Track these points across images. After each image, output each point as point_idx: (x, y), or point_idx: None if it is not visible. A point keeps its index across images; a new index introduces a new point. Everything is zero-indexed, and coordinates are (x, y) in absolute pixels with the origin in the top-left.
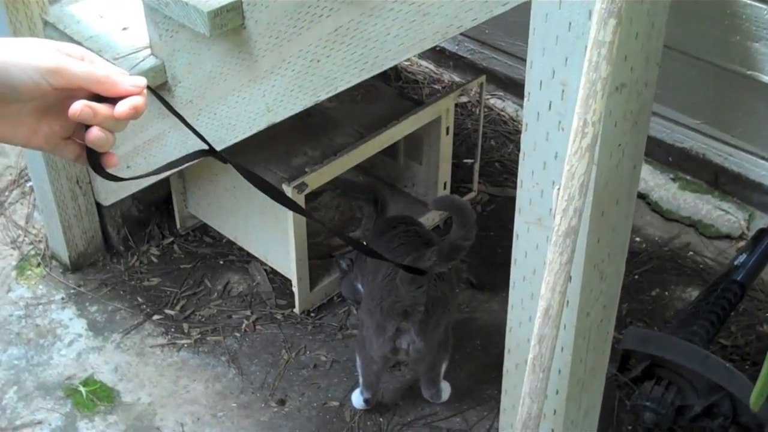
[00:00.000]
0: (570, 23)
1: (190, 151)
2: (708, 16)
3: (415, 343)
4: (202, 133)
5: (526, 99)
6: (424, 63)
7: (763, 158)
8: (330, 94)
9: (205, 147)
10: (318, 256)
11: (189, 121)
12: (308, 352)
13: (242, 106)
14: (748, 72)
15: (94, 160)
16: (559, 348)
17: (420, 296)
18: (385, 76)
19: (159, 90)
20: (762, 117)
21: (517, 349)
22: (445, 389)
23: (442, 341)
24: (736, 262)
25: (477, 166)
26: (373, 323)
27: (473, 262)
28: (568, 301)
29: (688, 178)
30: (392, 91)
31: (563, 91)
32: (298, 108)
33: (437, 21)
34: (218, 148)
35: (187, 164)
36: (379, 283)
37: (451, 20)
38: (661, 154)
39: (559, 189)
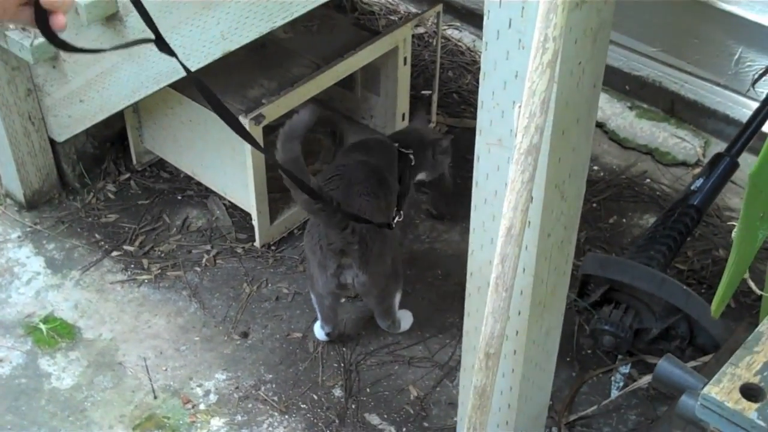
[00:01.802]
0: None
1: (145, 83)
2: None
3: (358, 276)
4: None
5: (485, 17)
6: None
7: (718, 85)
8: (286, 20)
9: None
10: (278, 190)
11: (141, 51)
12: (270, 285)
13: (196, 34)
14: None
15: (43, 21)
16: (521, 269)
17: (348, 236)
18: (341, 7)
19: (110, 20)
20: (718, 44)
21: (479, 272)
22: (405, 319)
23: (390, 273)
24: (692, 187)
25: (435, 97)
26: (315, 261)
27: (433, 193)
28: (529, 222)
29: (645, 106)
30: (348, 22)
31: (523, 8)
32: (253, 35)
33: None
34: (172, 80)
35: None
36: (315, 222)
37: None
38: (618, 83)
39: (520, 107)
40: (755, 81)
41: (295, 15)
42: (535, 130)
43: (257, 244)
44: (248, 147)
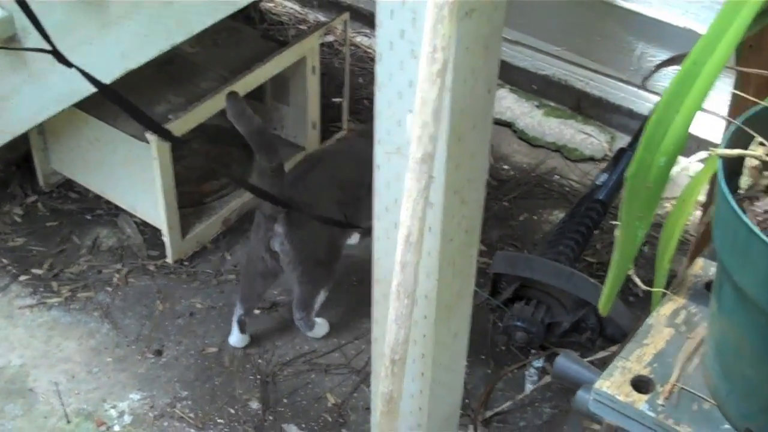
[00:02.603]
0: None
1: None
2: None
3: (284, 245)
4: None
5: (378, 28)
6: (288, 3)
7: (621, 81)
8: (186, 37)
9: None
10: (188, 204)
11: (42, 72)
12: (183, 301)
13: (96, 54)
14: None
15: None
16: (425, 274)
17: (275, 211)
18: (249, 19)
19: (9, 43)
20: (619, 41)
21: (384, 279)
22: (321, 326)
23: (321, 262)
24: (597, 182)
25: (346, 105)
26: (255, 222)
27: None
28: (430, 228)
29: (552, 104)
30: (255, 33)
31: (414, 18)
32: (154, 53)
33: None
34: (74, 100)
35: None
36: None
37: None
38: (525, 83)
39: (413, 116)
40: (645, 79)
41: (195, 32)
42: (428, 139)
43: (169, 260)
44: (156, 163)
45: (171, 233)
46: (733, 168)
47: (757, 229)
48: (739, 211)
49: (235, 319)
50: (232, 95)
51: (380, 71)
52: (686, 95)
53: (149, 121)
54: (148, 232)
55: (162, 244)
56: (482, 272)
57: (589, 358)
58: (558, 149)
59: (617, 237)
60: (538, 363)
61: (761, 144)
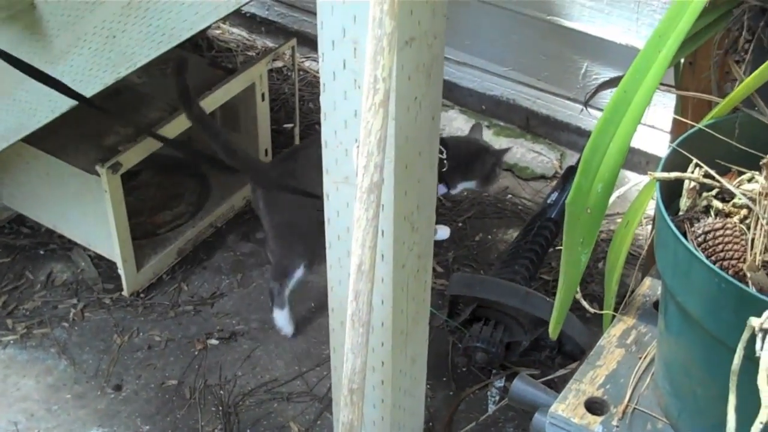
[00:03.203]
0: None
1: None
2: None
3: (260, 207)
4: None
5: (320, 60)
6: (236, 30)
7: (568, 99)
8: (130, 70)
9: None
10: (142, 236)
11: None
12: (141, 334)
13: (42, 89)
14: (548, 17)
15: None
16: (379, 301)
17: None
18: (196, 46)
19: None
20: (564, 60)
21: (339, 307)
22: (285, 318)
23: (295, 231)
24: (549, 201)
25: (297, 130)
26: None
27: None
28: (383, 255)
29: (502, 123)
30: (204, 62)
31: (355, 49)
32: (99, 86)
33: None
34: (21, 135)
35: None
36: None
37: None
38: (474, 103)
39: (358, 147)
40: (587, 100)
41: (139, 64)
42: (374, 169)
43: (125, 293)
44: (108, 196)
45: (126, 266)
46: (674, 189)
47: (697, 251)
48: (679, 235)
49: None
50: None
51: (325, 101)
52: (619, 123)
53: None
54: (103, 265)
55: (117, 277)
56: (440, 294)
57: (549, 377)
58: (509, 168)
59: (561, 263)
60: (500, 383)
61: (698, 166)
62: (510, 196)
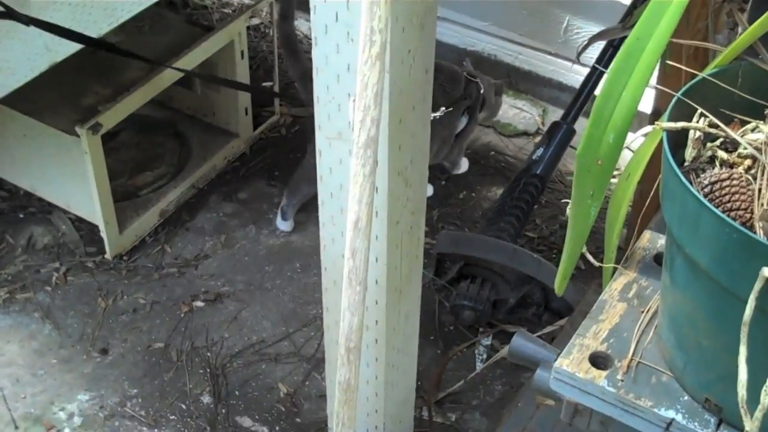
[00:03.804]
0: None
1: None
2: None
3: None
4: None
5: (312, 13)
6: None
7: (550, 54)
8: (112, 26)
9: None
10: (124, 197)
11: None
12: (125, 297)
13: (19, 48)
14: None
15: None
16: (374, 259)
17: None
18: (172, 5)
19: None
20: (545, 14)
21: (333, 266)
22: (285, 220)
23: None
24: (534, 157)
25: (276, 89)
26: None
27: (283, 186)
28: (377, 212)
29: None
30: (180, 19)
31: (348, 1)
32: (77, 46)
33: None
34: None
35: None
36: None
37: None
38: (456, 59)
39: (354, 100)
40: (579, 53)
41: (121, 20)
42: (371, 123)
43: (108, 256)
44: (88, 157)
45: (108, 228)
46: (676, 141)
47: (705, 201)
48: (688, 185)
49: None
50: None
51: (317, 56)
52: (632, 71)
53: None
54: (84, 228)
55: (99, 240)
56: (426, 253)
57: (538, 333)
58: (491, 125)
59: (569, 216)
60: (487, 341)
61: (702, 115)
62: (493, 153)
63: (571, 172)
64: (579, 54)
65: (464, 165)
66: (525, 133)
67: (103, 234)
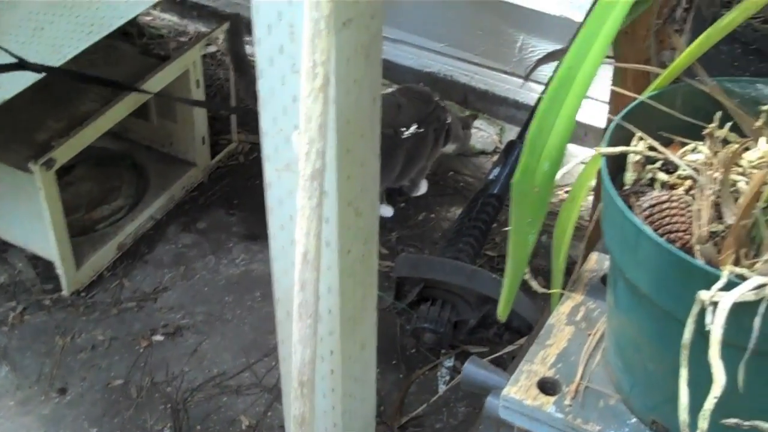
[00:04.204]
0: None
1: None
2: None
3: None
4: None
5: (257, 45)
6: (167, 16)
7: (505, 73)
8: (60, 62)
9: None
10: (80, 232)
11: None
12: (84, 334)
13: None
14: None
15: None
16: (326, 289)
17: None
18: (127, 34)
19: None
20: (500, 34)
21: (285, 298)
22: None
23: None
24: (490, 177)
25: (234, 116)
26: None
27: (242, 214)
28: (328, 243)
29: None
30: (134, 50)
31: (292, 32)
32: (28, 81)
33: None
34: None
35: None
36: None
37: None
38: (413, 80)
39: (298, 133)
40: (527, 74)
41: (69, 56)
42: (316, 155)
43: (66, 292)
44: (42, 193)
45: (64, 265)
46: (618, 164)
47: (644, 226)
48: (626, 210)
49: None
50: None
51: (262, 88)
52: (564, 100)
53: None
54: (41, 265)
55: (56, 277)
56: (386, 276)
57: (499, 353)
58: (459, 153)
59: (509, 244)
60: (449, 362)
61: (641, 139)
62: (452, 173)
63: None
64: (528, 75)
65: (423, 187)
66: (483, 153)
67: (60, 271)
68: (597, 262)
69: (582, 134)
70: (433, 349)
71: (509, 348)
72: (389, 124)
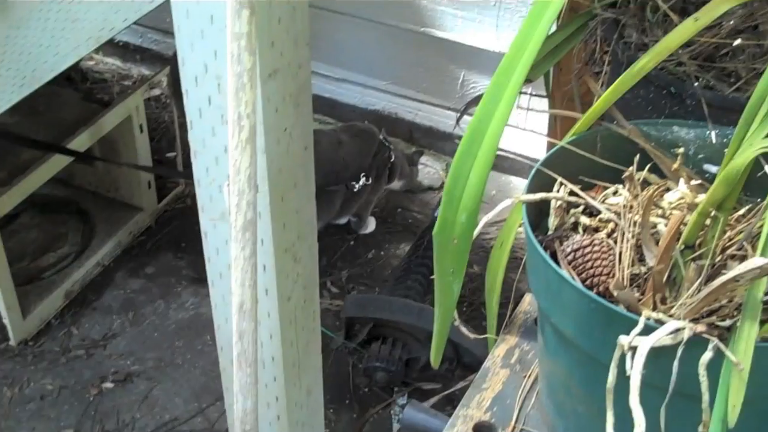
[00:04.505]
0: (212, 16)
1: None
2: None
3: None
4: None
5: (185, 97)
6: (110, 60)
7: (448, 108)
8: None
9: None
10: (26, 281)
11: None
12: (32, 384)
13: None
14: (422, 29)
15: None
16: (268, 336)
17: None
18: (69, 79)
19: None
20: (442, 70)
21: (228, 346)
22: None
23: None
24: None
25: (180, 159)
26: None
27: (191, 257)
28: (267, 290)
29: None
30: (76, 96)
31: (219, 84)
32: None
33: (87, 26)
34: None
35: None
36: None
37: (102, 24)
38: (357, 118)
39: (228, 185)
40: (458, 120)
41: (2, 110)
42: (247, 206)
43: (12, 342)
44: None
45: (10, 314)
46: (543, 208)
47: (564, 272)
48: (547, 258)
49: None
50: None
51: (193, 139)
52: (476, 153)
53: None
54: None
55: (2, 327)
56: (337, 315)
57: (450, 390)
58: (406, 189)
59: (435, 292)
60: (402, 400)
61: (562, 184)
62: (399, 209)
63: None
64: (458, 119)
65: (371, 224)
66: (430, 188)
67: (6, 321)
68: (531, 303)
69: (527, 168)
70: (385, 388)
71: (461, 384)
72: (333, 172)
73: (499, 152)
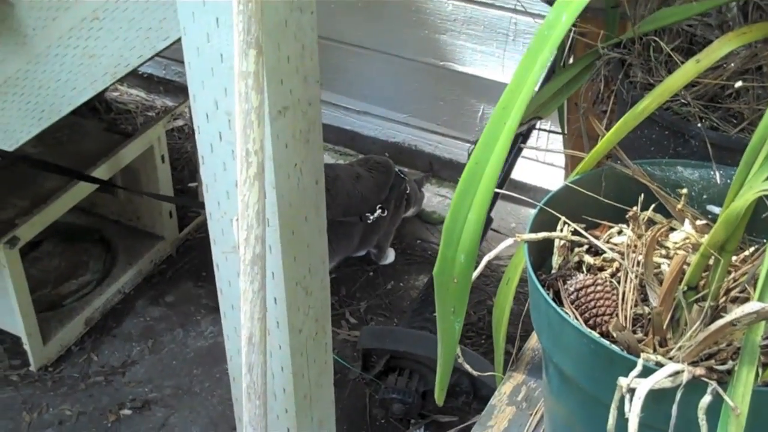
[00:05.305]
0: (221, 54)
1: None
2: (395, 15)
3: None
4: None
5: (197, 133)
6: (134, 91)
7: (468, 141)
8: (14, 147)
9: None
10: (47, 308)
11: None
12: (51, 409)
13: None
14: (441, 63)
15: None
16: (279, 368)
17: None
18: (94, 110)
19: None
20: (461, 103)
21: (240, 377)
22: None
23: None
24: None
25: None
26: None
27: (210, 286)
28: (278, 323)
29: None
30: (99, 126)
31: (229, 120)
32: None
33: (104, 62)
34: None
35: None
36: None
37: (118, 59)
38: (378, 151)
39: (237, 220)
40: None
41: (22, 142)
42: (255, 241)
43: (33, 368)
44: (7, 271)
45: (31, 340)
46: (547, 247)
47: (565, 313)
48: (548, 298)
49: None
50: None
51: (205, 174)
52: (474, 193)
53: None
54: (8, 340)
55: (23, 352)
56: (354, 346)
57: (467, 423)
58: (417, 214)
59: (438, 331)
60: None
61: (565, 223)
62: (419, 241)
63: (497, 257)
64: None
65: (391, 255)
66: None
67: (27, 346)
68: (538, 341)
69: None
70: (402, 420)
71: (477, 417)
72: (352, 206)
73: (518, 184)
